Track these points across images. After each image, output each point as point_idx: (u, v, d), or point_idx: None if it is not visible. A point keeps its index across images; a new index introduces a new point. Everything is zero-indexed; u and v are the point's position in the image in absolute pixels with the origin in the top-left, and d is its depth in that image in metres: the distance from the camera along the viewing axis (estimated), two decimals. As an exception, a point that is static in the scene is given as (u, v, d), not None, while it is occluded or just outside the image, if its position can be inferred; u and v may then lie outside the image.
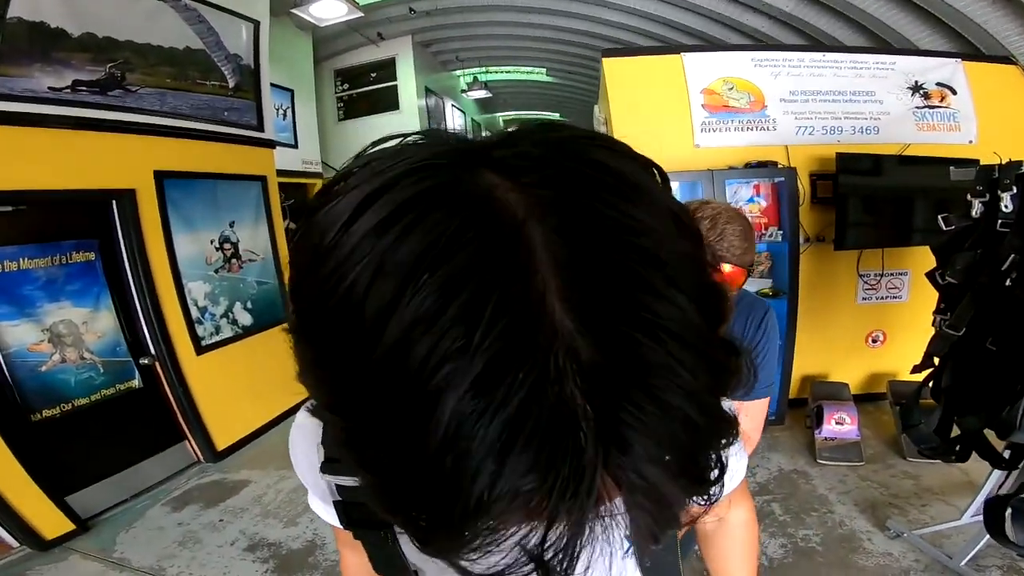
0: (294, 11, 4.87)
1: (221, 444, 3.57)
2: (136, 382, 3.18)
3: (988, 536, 1.84)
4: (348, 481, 0.47)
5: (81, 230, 2.99)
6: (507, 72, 10.37)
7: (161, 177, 3.27)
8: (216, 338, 3.65)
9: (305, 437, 0.52)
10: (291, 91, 6.20)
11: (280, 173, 4.42)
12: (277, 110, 5.51)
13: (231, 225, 3.84)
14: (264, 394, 3.99)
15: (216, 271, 3.70)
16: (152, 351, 3.26)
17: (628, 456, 0.21)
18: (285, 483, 3.18)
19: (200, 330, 3.53)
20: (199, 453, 3.51)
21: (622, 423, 0.21)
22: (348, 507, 0.49)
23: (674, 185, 3.33)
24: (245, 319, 3.92)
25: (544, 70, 10.15)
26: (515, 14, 6.89)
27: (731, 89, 3.42)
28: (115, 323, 3.11)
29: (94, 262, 3.01)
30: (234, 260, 3.86)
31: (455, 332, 0.20)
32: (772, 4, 4.60)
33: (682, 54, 3.47)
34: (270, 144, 4.23)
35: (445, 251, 0.21)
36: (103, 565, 2.53)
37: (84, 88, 2.85)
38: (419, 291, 0.21)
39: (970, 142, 3.47)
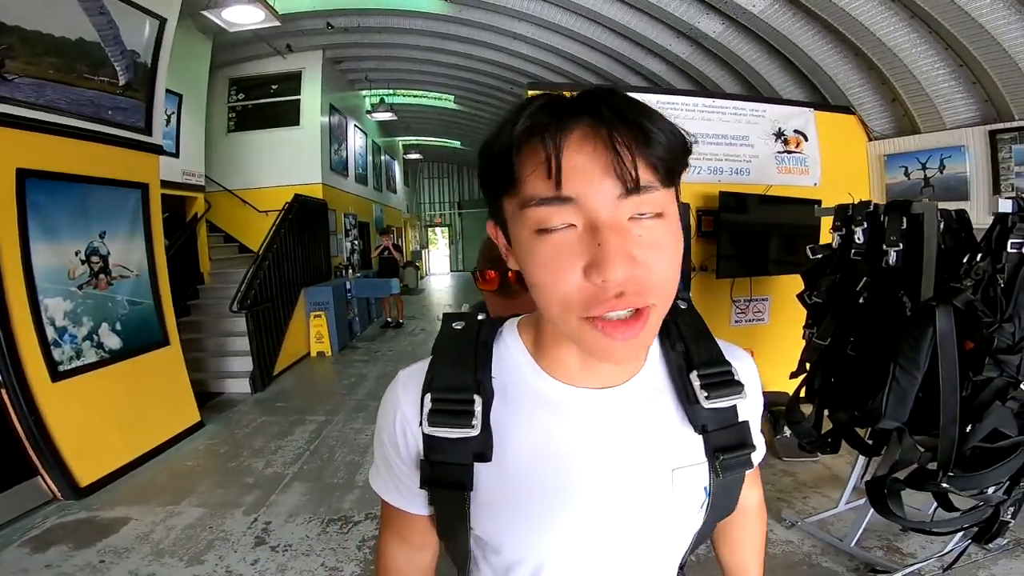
0: (204, 12, 4.48)
1: (85, 480, 3.08)
2: (-26, 413, 2.66)
3: (867, 519, 2.18)
4: (448, 433, 0.51)
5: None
6: (415, 96, 10.28)
7: (23, 176, 2.84)
8: (77, 363, 3.18)
9: (410, 386, 0.55)
10: (180, 96, 5.68)
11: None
12: (161, 114, 5.03)
13: (101, 236, 3.40)
14: (137, 424, 3.53)
15: (80, 287, 3.24)
16: (-4, 377, 2.75)
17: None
18: (176, 519, 2.80)
19: (57, 353, 3.05)
20: (56, 490, 3.00)
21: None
22: (434, 466, 0.53)
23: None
24: (113, 342, 3.45)
25: (452, 97, 10.16)
26: (432, 39, 6.94)
27: (638, 130, 3.73)
28: (-51, 344, 2.60)
29: (-75, 270, 2.51)
30: (102, 275, 3.41)
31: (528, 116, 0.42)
32: (670, 50, 5.09)
33: (600, 94, 3.73)
34: (157, 149, 3.85)
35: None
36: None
37: (-47, 73, 2.45)
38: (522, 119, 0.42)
39: (815, 184, 3.99)
